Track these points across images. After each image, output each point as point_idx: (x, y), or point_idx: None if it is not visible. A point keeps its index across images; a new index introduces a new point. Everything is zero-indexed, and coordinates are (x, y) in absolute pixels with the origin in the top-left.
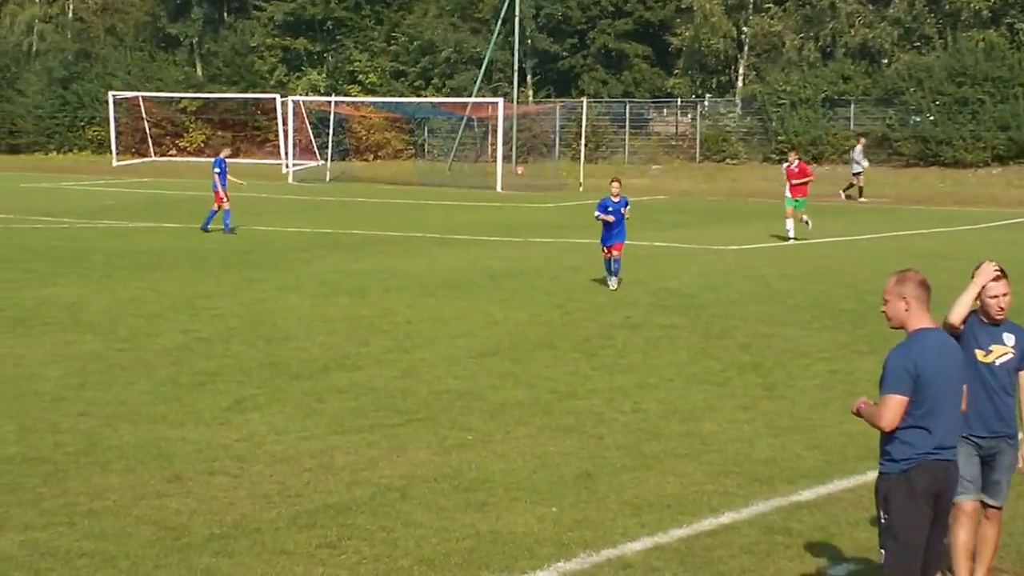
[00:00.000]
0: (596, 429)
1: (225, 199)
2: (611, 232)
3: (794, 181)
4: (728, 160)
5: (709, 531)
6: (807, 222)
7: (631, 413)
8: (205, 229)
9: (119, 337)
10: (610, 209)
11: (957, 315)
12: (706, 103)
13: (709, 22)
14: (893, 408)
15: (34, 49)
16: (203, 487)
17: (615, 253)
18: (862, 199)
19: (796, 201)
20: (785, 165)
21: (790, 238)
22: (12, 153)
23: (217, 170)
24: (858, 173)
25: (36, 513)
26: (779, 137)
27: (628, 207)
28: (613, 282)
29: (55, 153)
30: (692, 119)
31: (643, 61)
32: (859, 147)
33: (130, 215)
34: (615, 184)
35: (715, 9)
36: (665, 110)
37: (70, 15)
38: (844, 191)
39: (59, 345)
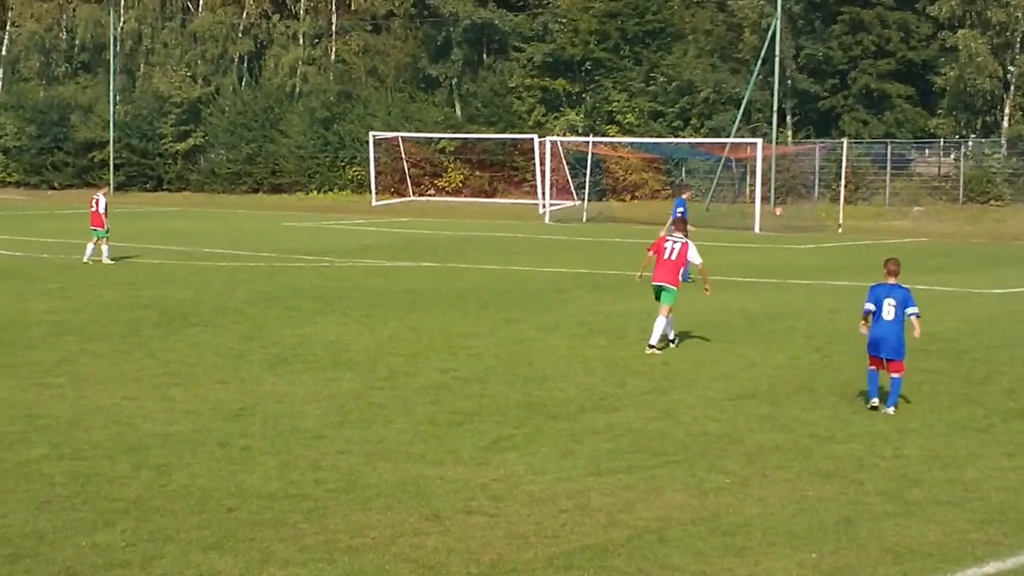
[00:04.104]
0: (856, 474)
1: None
2: (882, 336)
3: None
4: (992, 202)
5: None
6: (672, 337)
7: (892, 459)
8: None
9: (378, 376)
10: (891, 301)
11: None
12: (970, 143)
13: (974, 62)
14: None
15: (297, 90)
16: (461, 526)
17: (893, 374)
18: None
19: (662, 289)
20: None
21: (651, 347)
22: (275, 192)
23: (680, 210)
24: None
25: (297, 549)
26: None
27: (915, 310)
28: (890, 410)
29: (316, 193)
30: (955, 160)
31: (905, 101)
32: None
33: (389, 254)
34: (889, 266)
35: (981, 48)
36: (927, 150)
37: (332, 57)
38: None
39: (320, 383)
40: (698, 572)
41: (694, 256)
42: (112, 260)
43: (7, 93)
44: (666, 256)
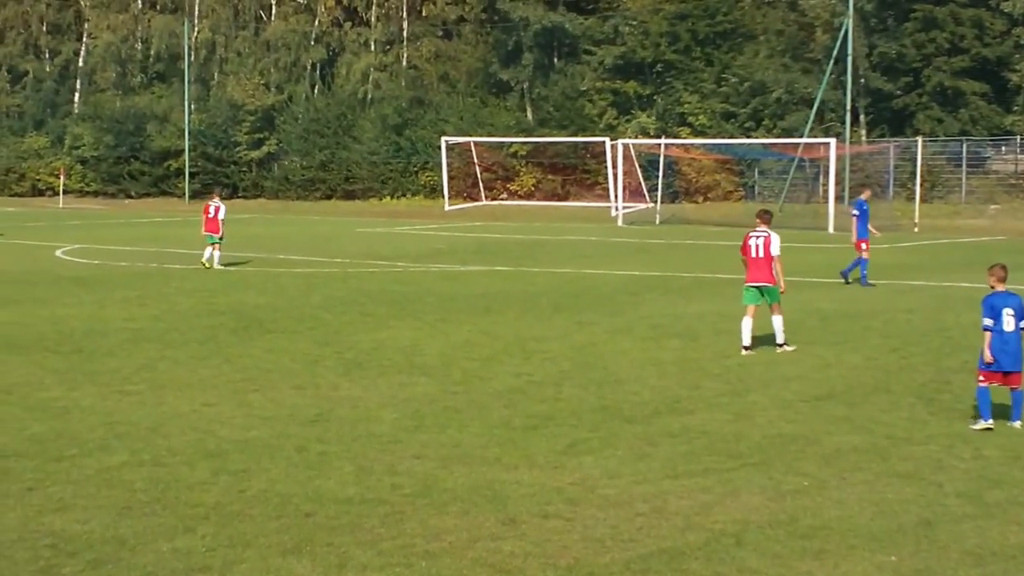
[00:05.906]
0: (935, 476)
1: (865, 247)
2: (1004, 349)
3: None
4: None
5: None
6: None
7: (971, 460)
8: (845, 277)
9: (453, 380)
10: (1010, 311)
11: None
12: None
13: None
14: None
15: (369, 97)
16: (537, 530)
17: (1014, 387)
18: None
19: (762, 290)
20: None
21: (780, 346)
22: (348, 199)
23: (856, 212)
24: None
25: (374, 553)
26: None
27: None
28: (1017, 424)
29: (389, 198)
30: None
31: (980, 98)
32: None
33: (462, 259)
34: (997, 272)
35: None
36: (1004, 148)
37: (404, 63)
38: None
39: (394, 387)
40: (776, 575)
41: (775, 248)
42: (221, 265)
43: (84, 104)
44: (753, 255)
